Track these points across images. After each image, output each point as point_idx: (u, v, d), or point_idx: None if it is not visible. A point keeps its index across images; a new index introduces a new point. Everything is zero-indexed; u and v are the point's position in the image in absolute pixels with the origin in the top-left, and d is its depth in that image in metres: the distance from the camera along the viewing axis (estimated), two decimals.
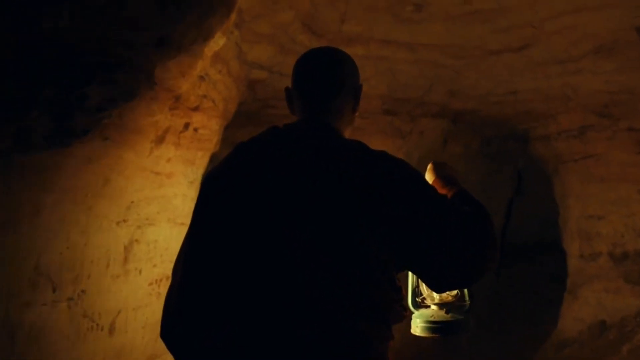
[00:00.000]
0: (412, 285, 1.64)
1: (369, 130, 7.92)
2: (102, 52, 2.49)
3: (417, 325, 1.58)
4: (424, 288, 1.63)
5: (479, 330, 6.90)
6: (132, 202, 4.00)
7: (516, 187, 10.41)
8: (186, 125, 4.31)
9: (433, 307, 1.61)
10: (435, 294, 1.60)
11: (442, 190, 1.46)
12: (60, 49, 2.44)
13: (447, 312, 1.57)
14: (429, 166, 1.64)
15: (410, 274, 1.62)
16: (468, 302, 1.60)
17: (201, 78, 4.30)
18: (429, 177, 1.60)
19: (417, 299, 1.64)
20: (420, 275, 1.40)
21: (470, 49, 7.08)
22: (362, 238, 1.26)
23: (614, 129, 6.88)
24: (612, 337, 6.46)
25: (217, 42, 3.50)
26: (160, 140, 4.01)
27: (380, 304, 1.30)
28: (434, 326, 1.55)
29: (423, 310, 1.62)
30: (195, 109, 4.33)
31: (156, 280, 4.37)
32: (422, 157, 8.06)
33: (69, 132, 2.76)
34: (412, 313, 1.63)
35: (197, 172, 4.99)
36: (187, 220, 4.72)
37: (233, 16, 3.35)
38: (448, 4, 6.32)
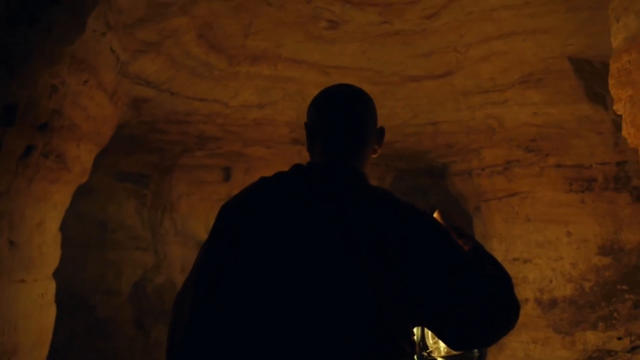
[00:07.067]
0: (417, 338, 1.61)
1: (275, 162, 7.06)
2: None
3: None
4: (429, 341, 1.62)
5: None
6: None
7: None
8: (29, 149, 3.20)
9: (440, 359, 1.60)
10: (442, 346, 1.58)
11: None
12: None
13: None
14: (436, 214, 1.60)
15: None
16: (477, 354, 1.58)
17: (52, 87, 3.23)
18: None
19: (423, 353, 1.61)
20: (440, 332, 1.36)
21: (388, 75, 6.43)
22: (383, 292, 1.25)
23: (541, 165, 6.44)
24: None
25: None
26: None
27: (393, 357, 1.28)
28: None
29: None
30: (43, 127, 3.23)
31: None
32: None
33: None
34: None
35: (52, 211, 3.84)
36: (30, 276, 3.51)
37: None
38: (366, 23, 5.62)
